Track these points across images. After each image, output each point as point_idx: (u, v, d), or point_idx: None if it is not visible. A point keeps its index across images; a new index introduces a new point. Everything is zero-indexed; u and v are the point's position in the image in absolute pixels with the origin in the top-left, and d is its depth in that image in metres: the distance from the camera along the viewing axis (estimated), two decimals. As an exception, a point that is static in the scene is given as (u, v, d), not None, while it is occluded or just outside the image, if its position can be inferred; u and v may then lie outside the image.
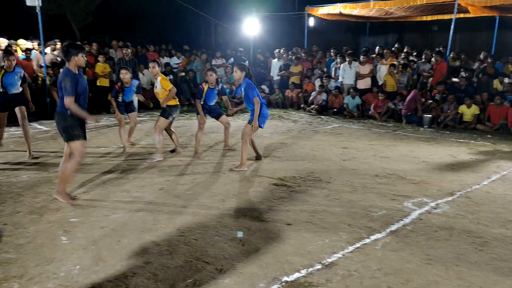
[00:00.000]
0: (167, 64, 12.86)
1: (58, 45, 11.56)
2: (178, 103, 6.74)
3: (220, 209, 4.49)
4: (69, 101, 4.40)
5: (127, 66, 8.92)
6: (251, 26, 14.34)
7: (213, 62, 13.47)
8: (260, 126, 5.98)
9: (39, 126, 9.34)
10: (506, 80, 9.94)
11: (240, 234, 3.83)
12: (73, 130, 4.53)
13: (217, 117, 7.11)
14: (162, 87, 6.50)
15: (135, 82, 7.13)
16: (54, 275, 3.13)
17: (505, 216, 4.34)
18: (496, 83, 10.23)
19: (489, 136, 8.85)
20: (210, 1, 18.19)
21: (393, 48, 13.01)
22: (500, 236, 3.85)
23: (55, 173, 5.32)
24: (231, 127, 7.39)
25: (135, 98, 7.35)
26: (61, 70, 9.21)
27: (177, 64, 13.48)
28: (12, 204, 4.57)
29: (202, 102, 6.84)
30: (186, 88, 12.86)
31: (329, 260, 3.39)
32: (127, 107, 7.19)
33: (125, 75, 6.93)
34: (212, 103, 6.96)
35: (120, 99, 7.01)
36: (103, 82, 11.09)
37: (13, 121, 7.36)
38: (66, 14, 16.63)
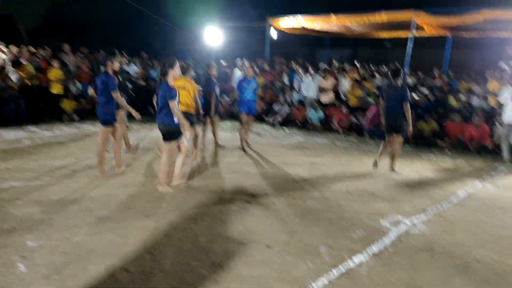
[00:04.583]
0: (125, 71, 12.31)
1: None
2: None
3: (194, 230, 4.21)
4: None
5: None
6: (212, 35, 14.13)
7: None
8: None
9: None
10: (462, 97, 10.32)
11: None
12: None
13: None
14: None
15: None
16: (13, 312, 2.76)
17: (481, 237, 4.36)
18: (451, 100, 10.61)
19: (448, 151, 9.11)
20: (166, 7, 17.73)
21: (356, 64, 13.21)
22: (480, 258, 3.85)
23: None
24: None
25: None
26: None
27: (136, 72, 12.92)
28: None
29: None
30: (145, 98, 12.37)
31: (315, 286, 3.23)
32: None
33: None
34: None
35: None
36: (57, 88, 10.45)
37: None
38: (12, 15, 15.71)
